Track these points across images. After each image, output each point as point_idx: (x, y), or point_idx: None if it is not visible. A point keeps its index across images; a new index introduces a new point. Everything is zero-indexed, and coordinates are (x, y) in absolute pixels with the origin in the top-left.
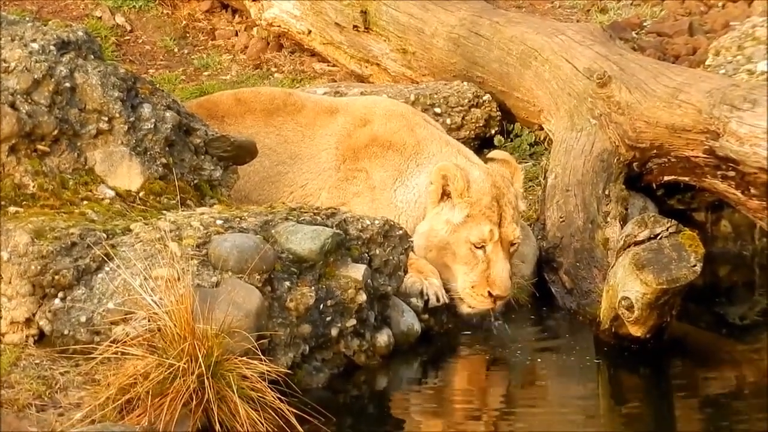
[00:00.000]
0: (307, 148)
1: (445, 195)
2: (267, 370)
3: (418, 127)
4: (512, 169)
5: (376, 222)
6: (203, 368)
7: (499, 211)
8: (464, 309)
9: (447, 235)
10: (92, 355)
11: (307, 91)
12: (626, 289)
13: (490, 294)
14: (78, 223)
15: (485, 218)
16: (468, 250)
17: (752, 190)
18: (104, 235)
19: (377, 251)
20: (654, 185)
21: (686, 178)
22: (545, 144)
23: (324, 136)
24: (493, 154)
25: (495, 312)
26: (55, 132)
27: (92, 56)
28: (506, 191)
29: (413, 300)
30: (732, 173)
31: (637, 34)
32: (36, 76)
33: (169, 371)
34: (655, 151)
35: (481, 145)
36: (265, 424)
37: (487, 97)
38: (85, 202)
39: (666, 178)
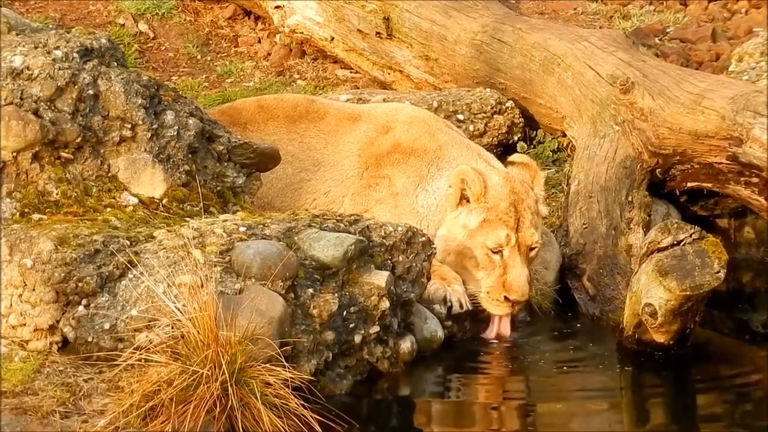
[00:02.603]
0: (329, 156)
1: (463, 199)
2: (290, 377)
3: (440, 132)
4: (533, 173)
5: (399, 229)
6: (227, 375)
7: (517, 216)
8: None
9: (464, 240)
10: (116, 362)
11: (329, 98)
12: (649, 295)
13: (507, 299)
14: (101, 230)
15: (502, 223)
16: (485, 255)
17: None
18: (127, 242)
19: (400, 258)
20: (677, 191)
21: (709, 185)
22: (568, 150)
23: (346, 143)
24: (514, 157)
25: (515, 316)
26: (79, 139)
27: (115, 63)
28: (525, 196)
29: (436, 307)
30: (755, 179)
31: (660, 40)
32: (59, 84)
33: (192, 378)
34: (678, 157)
35: (504, 151)
36: (288, 431)
37: (509, 103)
38: (108, 209)
39: (689, 184)
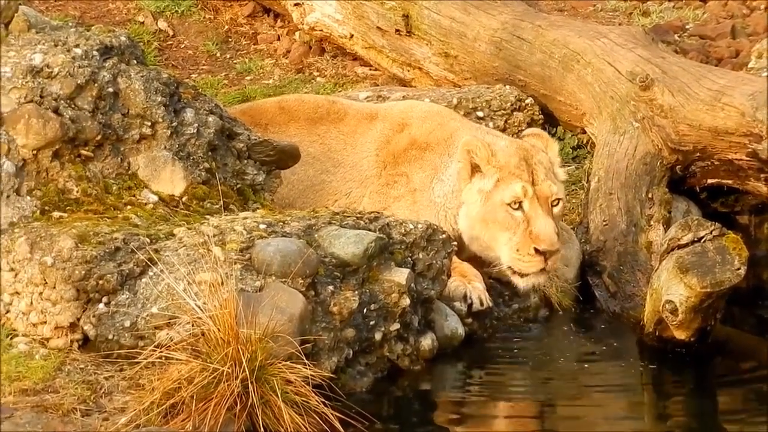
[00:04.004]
0: (349, 156)
1: (474, 170)
2: (311, 375)
3: (452, 121)
4: (545, 141)
5: (420, 226)
6: (247, 372)
7: (530, 170)
8: (520, 282)
9: (483, 204)
10: (136, 360)
11: (349, 96)
12: (670, 292)
13: (537, 251)
14: (122, 227)
15: (515, 177)
16: (505, 213)
17: None
18: (148, 239)
19: (420, 255)
20: (697, 188)
21: (729, 181)
22: (588, 147)
23: (364, 143)
24: (527, 131)
25: (548, 272)
26: (99, 137)
27: (135, 61)
28: (535, 152)
29: (457, 304)
30: None
31: (679, 37)
32: (79, 82)
33: (213, 376)
34: (698, 154)
35: None
36: (309, 428)
37: (529, 100)
38: (128, 207)
39: (709, 181)
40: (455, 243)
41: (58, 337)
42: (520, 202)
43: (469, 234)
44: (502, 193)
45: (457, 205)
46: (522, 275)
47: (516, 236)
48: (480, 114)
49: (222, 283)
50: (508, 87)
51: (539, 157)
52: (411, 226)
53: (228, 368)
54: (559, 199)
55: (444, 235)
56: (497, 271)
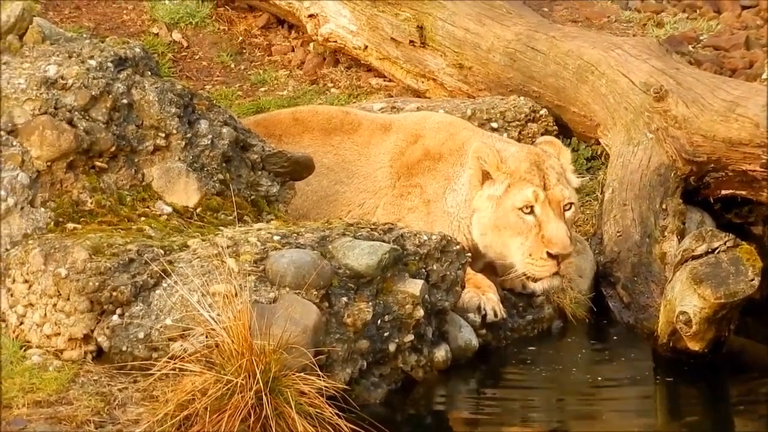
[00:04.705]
0: (363, 167)
1: (485, 176)
2: (325, 386)
3: (464, 130)
4: (557, 148)
5: (434, 237)
6: (261, 384)
7: (542, 175)
8: (534, 286)
9: (494, 210)
10: (150, 372)
11: (363, 107)
12: (684, 303)
13: (549, 255)
14: (135, 239)
15: (526, 182)
16: (517, 218)
17: None
18: (162, 251)
19: (434, 266)
20: (711, 199)
21: (744, 192)
22: (602, 158)
23: (378, 154)
24: (540, 138)
25: (561, 275)
26: (113, 148)
27: (149, 72)
28: (546, 158)
29: (471, 315)
30: None
31: (693, 48)
32: (93, 93)
33: (227, 387)
34: (712, 165)
35: None
36: None
37: (543, 111)
38: (142, 219)
39: (723, 191)
40: (469, 254)
41: (72, 349)
42: (532, 207)
43: (482, 241)
44: (513, 198)
45: (470, 213)
46: (536, 279)
47: (528, 241)
48: (494, 125)
49: (236, 295)
50: (522, 98)
51: (551, 162)
52: (425, 238)
53: (242, 380)
54: (571, 203)
55: (458, 247)
56: (511, 279)
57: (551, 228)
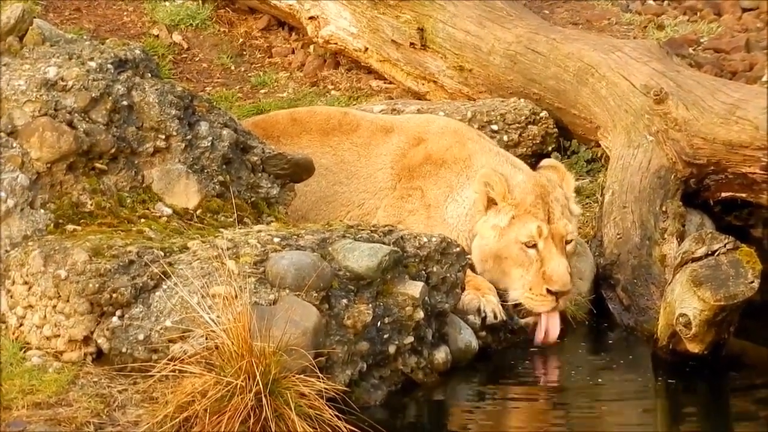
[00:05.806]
0: (363, 168)
1: (490, 202)
2: (324, 388)
3: (470, 141)
4: (561, 174)
5: (434, 239)
6: (261, 386)
7: (546, 208)
8: (527, 320)
9: (497, 241)
10: (150, 373)
11: (363, 109)
12: (684, 305)
13: (549, 291)
14: (135, 241)
15: (531, 216)
16: (519, 250)
17: None
18: (162, 253)
19: (434, 268)
20: (711, 201)
21: (744, 195)
22: (602, 161)
23: (379, 155)
24: (543, 162)
25: (558, 310)
26: (113, 150)
27: (149, 74)
28: (552, 189)
29: (471, 317)
30: None
31: (693, 50)
32: (94, 95)
33: (226, 389)
34: (712, 167)
35: (538, 162)
36: None
37: (544, 113)
38: (142, 220)
39: (723, 194)
40: (469, 256)
41: (72, 351)
42: (535, 242)
43: (481, 266)
44: (518, 231)
45: (470, 229)
46: (534, 311)
47: (528, 274)
48: (494, 127)
49: (236, 297)
50: (522, 100)
51: (556, 194)
52: (425, 240)
53: (242, 381)
54: (573, 238)
55: (458, 249)
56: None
57: (553, 265)
